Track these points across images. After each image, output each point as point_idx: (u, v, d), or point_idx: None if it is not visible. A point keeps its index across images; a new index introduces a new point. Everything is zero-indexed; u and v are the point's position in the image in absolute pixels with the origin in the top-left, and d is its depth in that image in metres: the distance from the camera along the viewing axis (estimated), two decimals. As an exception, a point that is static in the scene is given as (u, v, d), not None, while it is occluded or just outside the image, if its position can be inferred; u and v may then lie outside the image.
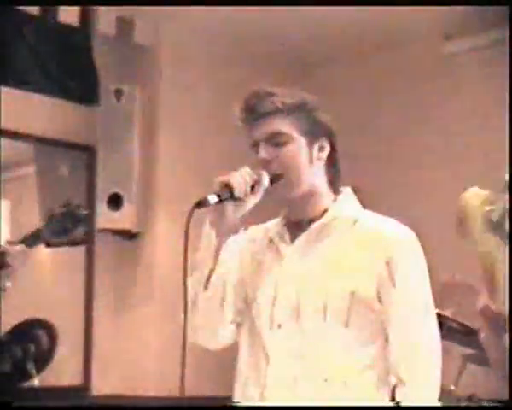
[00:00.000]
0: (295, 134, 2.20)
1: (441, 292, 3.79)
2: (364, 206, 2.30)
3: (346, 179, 2.31)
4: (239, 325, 2.27)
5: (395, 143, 5.10)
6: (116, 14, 4.79)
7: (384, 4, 4.36)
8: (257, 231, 2.35)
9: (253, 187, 2.17)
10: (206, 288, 2.21)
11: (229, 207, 2.16)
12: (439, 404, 2.15)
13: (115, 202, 4.71)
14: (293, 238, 2.24)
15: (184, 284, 2.09)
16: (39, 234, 2.68)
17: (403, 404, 2.12)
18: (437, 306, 3.14)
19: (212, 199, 2.12)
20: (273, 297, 2.20)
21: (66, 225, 2.71)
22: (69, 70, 4.80)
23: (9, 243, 2.72)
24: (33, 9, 4.52)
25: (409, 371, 2.15)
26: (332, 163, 2.26)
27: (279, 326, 2.18)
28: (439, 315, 3.43)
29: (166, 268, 4.62)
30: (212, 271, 2.20)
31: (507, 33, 4.34)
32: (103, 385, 4.80)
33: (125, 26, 4.85)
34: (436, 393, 2.14)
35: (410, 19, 4.76)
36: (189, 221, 2.08)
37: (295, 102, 2.21)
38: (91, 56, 4.86)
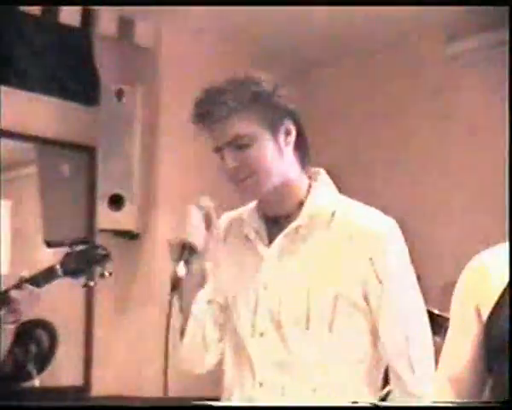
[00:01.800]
0: (257, 130, 2.06)
1: (443, 293, 3.78)
2: (340, 189, 2.19)
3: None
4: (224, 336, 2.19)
5: (395, 144, 5.09)
6: (117, 14, 4.79)
7: (385, 4, 4.36)
8: (229, 225, 2.22)
9: (206, 224, 2.08)
10: (181, 338, 2.16)
11: (194, 264, 2.11)
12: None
13: (116, 202, 4.71)
14: (270, 238, 2.12)
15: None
16: (51, 273, 2.61)
17: (401, 399, 2.04)
18: (438, 307, 3.14)
19: (182, 271, 2.06)
20: (254, 304, 2.10)
21: (82, 267, 2.65)
22: (70, 70, 4.80)
23: (18, 282, 2.62)
24: (35, 10, 4.52)
25: (404, 366, 2.05)
26: (300, 144, 2.13)
27: (261, 335, 2.08)
28: (440, 316, 3.44)
29: (167, 269, 4.60)
30: (184, 324, 2.15)
31: (507, 34, 4.34)
32: (104, 386, 4.80)
33: (125, 26, 4.85)
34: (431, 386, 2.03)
35: (411, 19, 4.76)
36: (170, 307, 2.04)
37: (249, 95, 2.07)
38: (92, 57, 4.85)
